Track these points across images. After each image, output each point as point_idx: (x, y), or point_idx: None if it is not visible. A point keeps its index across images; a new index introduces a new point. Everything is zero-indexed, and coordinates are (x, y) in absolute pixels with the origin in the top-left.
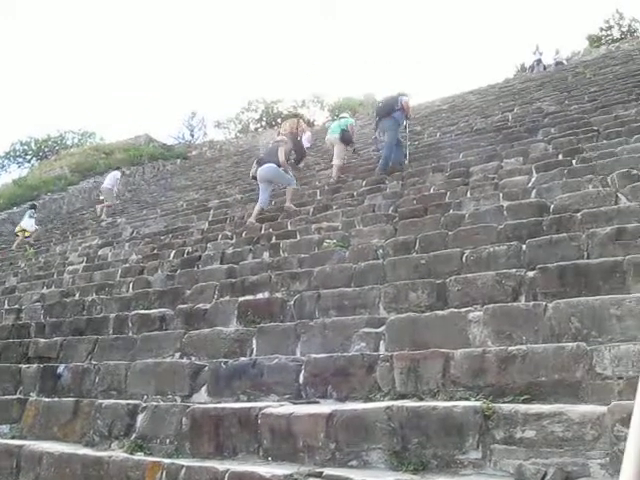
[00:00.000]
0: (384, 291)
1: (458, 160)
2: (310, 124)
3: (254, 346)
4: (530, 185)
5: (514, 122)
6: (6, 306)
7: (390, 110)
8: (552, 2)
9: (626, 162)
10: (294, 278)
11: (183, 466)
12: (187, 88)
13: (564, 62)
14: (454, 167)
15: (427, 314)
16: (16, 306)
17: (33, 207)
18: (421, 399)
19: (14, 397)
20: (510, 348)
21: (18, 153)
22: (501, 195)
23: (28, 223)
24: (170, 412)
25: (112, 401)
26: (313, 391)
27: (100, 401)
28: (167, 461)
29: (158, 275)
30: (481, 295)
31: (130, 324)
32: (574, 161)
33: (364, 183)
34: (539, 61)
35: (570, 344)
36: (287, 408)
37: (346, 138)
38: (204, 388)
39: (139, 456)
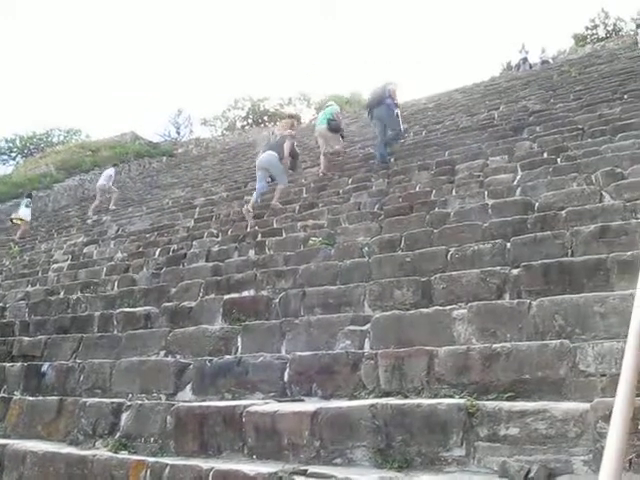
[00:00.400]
0: (369, 289)
1: (444, 158)
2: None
3: (239, 344)
4: (515, 183)
5: (500, 120)
6: None
7: (380, 100)
8: (538, 1)
9: (610, 160)
10: (279, 276)
11: (167, 464)
12: (173, 85)
13: (550, 61)
14: (440, 165)
15: (412, 312)
16: (0, 304)
17: (29, 196)
18: (406, 397)
19: None
20: (494, 346)
21: (3, 150)
22: (486, 193)
23: (25, 212)
24: (155, 410)
25: (96, 400)
26: (298, 389)
27: (84, 400)
28: (151, 460)
29: (143, 273)
30: (466, 293)
31: (115, 322)
32: (559, 159)
33: (350, 181)
34: (525, 60)
35: (554, 342)
36: (272, 406)
37: (334, 127)
38: (189, 386)
39: (123, 455)
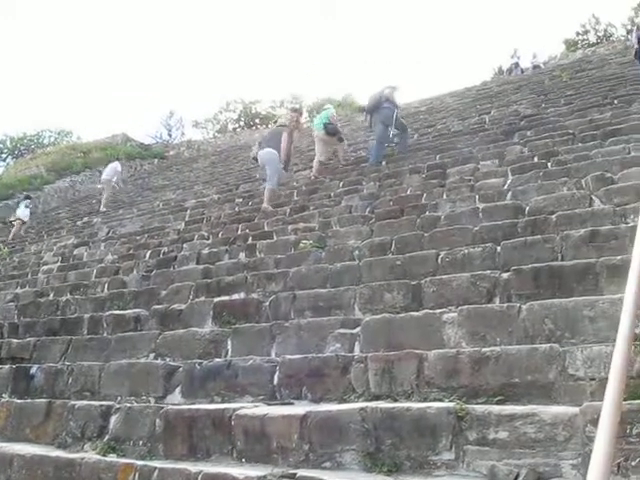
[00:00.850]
0: (359, 292)
1: (435, 162)
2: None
3: (229, 347)
4: (506, 187)
5: (491, 125)
6: None
7: (378, 104)
8: (530, 6)
9: (600, 165)
10: (270, 279)
11: (156, 468)
12: (165, 87)
13: (541, 65)
14: (431, 169)
15: (402, 315)
16: None
17: (28, 197)
18: (395, 400)
19: None
20: (484, 349)
21: None
22: (477, 197)
23: (24, 213)
24: (143, 413)
25: (85, 402)
26: (288, 392)
27: (73, 402)
28: (140, 463)
29: (133, 275)
30: (456, 296)
31: (104, 324)
32: (549, 164)
33: (341, 184)
34: (517, 64)
35: (543, 345)
36: (261, 409)
37: (330, 130)
38: (178, 389)
39: (112, 458)
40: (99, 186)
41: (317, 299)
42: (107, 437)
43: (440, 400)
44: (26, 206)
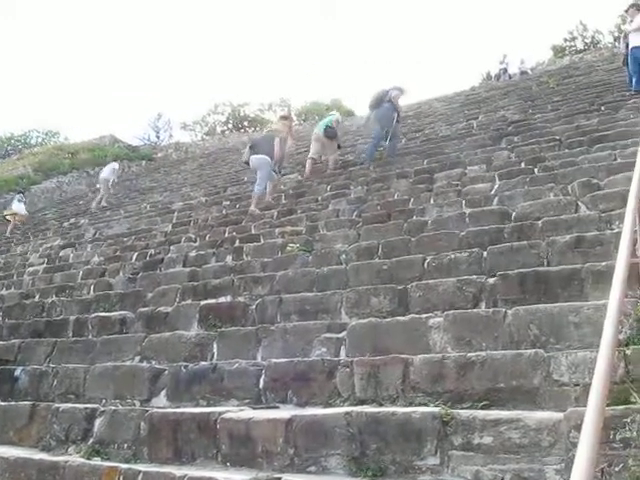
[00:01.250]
0: (346, 296)
1: (423, 166)
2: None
3: (215, 350)
4: (493, 192)
5: (478, 130)
6: None
7: (380, 102)
8: (518, 13)
9: (587, 171)
10: (257, 282)
11: (140, 471)
12: (153, 89)
13: (529, 71)
14: (418, 173)
15: (388, 320)
16: None
17: (21, 192)
18: (381, 405)
19: None
20: (469, 354)
21: None
22: (464, 202)
23: (19, 207)
24: (128, 416)
25: (69, 405)
26: (273, 396)
27: (57, 405)
28: (124, 466)
29: (120, 277)
30: (442, 301)
31: (90, 327)
32: (536, 169)
33: (329, 188)
34: (505, 70)
35: (528, 351)
36: (246, 413)
37: (329, 133)
38: (163, 392)
39: (96, 461)
40: (98, 185)
41: (303, 303)
42: (91, 440)
43: (425, 405)
44: (19, 200)
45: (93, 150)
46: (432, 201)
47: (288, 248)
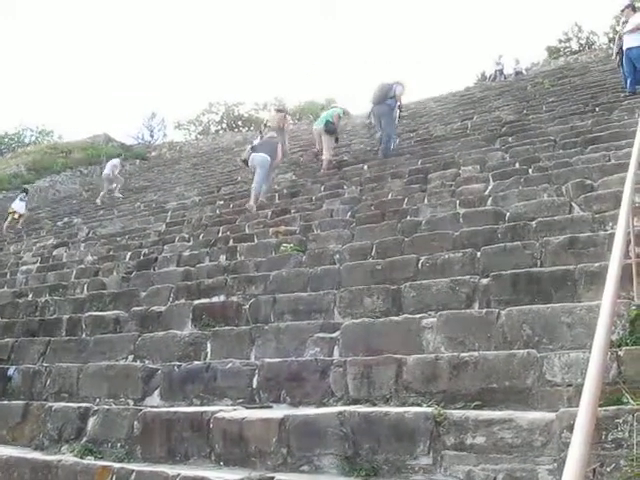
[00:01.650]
0: (340, 296)
1: (417, 167)
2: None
3: (208, 350)
4: (487, 193)
5: (473, 130)
6: None
7: (384, 97)
8: (513, 13)
9: (581, 172)
10: (250, 282)
11: (133, 470)
12: (147, 88)
13: (523, 72)
14: (413, 173)
15: (382, 320)
16: None
17: (25, 191)
18: (374, 404)
19: None
20: (462, 355)
21: None
22: (458, 202)
23: (19, 205)
24: (122, 416)
25: (63, 404)
26: (267, 396)
27: (50, 404)
28: (117, 465)
29: (113, 277)
30: (435, 301)
31: (83, 326)
32: (530, 170)
33: (323, 188)
34: (501, 71)
35: (521, 351)
36: (240, 413)
37: (328, 128)
38: (157, 392)
39: (89, 460)
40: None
41: (297, 303)
42: (85, 439)
43: (418, 405)
44: (21, 199)
45: (87, 149)
46: (426, 201)
47: (282, 248)
